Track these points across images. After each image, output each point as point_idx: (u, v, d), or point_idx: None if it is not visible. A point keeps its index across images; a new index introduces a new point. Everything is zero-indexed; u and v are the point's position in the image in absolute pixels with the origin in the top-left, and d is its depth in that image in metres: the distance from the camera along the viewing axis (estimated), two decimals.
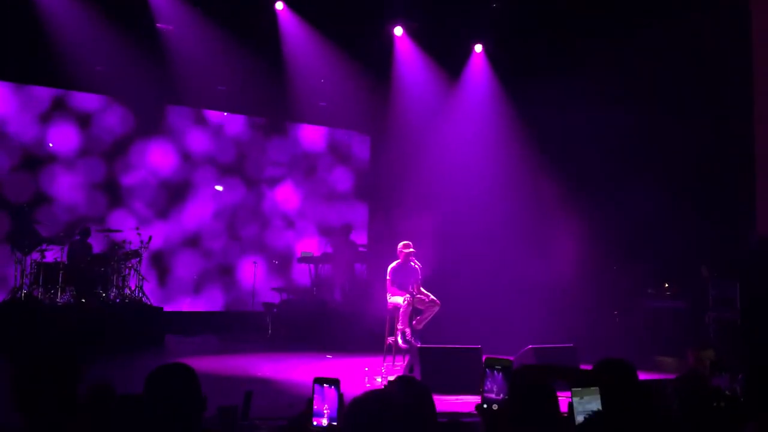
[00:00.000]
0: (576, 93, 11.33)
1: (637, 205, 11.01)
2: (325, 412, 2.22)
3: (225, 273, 13.39)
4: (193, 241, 13.16)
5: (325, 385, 2.20)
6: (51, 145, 12.10)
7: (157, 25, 11.38)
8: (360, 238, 13.92)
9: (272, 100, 12.73)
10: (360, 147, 14.75)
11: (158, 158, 12.95)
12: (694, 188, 10.64)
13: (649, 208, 10.79)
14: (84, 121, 12.34)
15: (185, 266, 13.05)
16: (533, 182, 11.97)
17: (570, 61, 11.46)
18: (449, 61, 12.70)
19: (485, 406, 2.07)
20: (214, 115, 13.52)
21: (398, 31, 12.46)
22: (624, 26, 10.85)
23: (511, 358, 2.09)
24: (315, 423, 2.38)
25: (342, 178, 14.65)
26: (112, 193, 12.48)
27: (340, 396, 2.19)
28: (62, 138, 12.17)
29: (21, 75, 11.68)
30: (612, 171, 11.31)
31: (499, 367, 2.10)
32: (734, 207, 10.45)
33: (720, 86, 10.28)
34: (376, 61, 12.42)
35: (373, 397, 2.00)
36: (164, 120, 13.08)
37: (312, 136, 14.43)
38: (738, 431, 2.33)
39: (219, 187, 13.44)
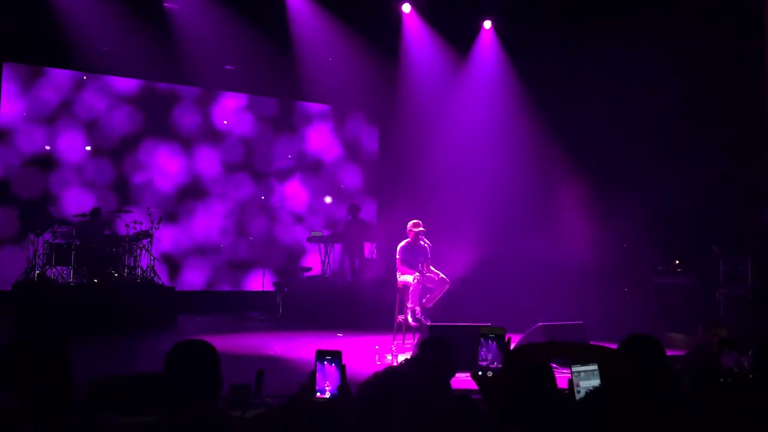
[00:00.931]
0: (587, 70, 11.25)
1: (649, 183, 10.98)
2: (327, 388, 2.24)
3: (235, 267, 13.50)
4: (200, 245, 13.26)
5: (326, 360, 2.20)
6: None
7: (164, 4, 11.34)
8: (370, 216, 13.93)
9: (280, 79, 12.69)
10: (368, 129, 14.68)
11: (165, 159, 12.98)
12: (706, 166, 10.57)
13: (660, 186, 10.76)
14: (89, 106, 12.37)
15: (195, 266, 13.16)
16: (544, 161, 11.93)
17: (579, 38, 11.36)
18: (458, 38, 12.61)
19: (480, 373, 2.12)
20: (219, 113, 13.45)
21: (406, 7, 12.36)
22: (635, 2, 10.73)
23: (520, 336, 2.10)
24: (318, 398, 2.41)
25: (351, 159, 14.63)
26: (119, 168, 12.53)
27: (342, 368, 2.20)
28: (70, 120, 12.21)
29: (28, 56, 11.68)
30: (623, 149, 11.25)
31: (493, 336, 2.13)
32: (746, 184, 10.40)
33: (735, 69, 10.20)
34: (385, 39, 12.34)
35: (386, 375, 2.01)
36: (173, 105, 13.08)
37: (319, 112, 14.39)
38: (743, 406, 2.34)
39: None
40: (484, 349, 2.16)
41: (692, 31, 10.28)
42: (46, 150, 12.00)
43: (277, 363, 7.41)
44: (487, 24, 12.78)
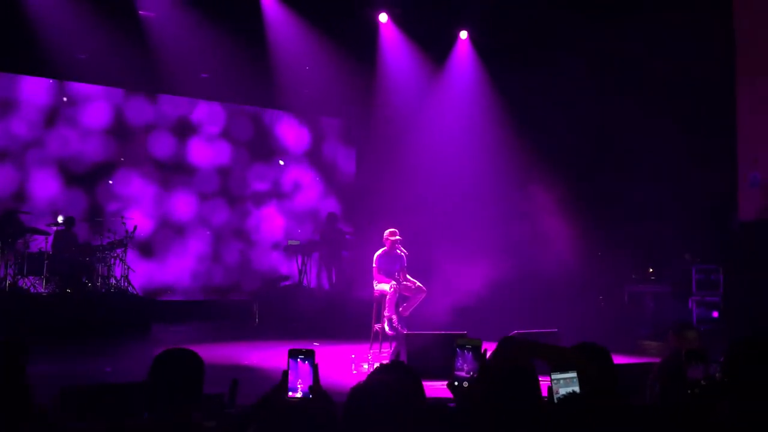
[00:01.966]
0: (561, 79, 11.36)
1: (622, 191, 11.11)
2: (299, 386, 2.23)
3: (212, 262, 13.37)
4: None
5: (299, 358, 2.20)
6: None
7: (140, 12, 11.28)
8: (346, 225, 13.93)
9: (255, 87, 12.65)
10: (344, 137, 14.69)
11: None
12: (678, 175, 10.73)
13: (633, 195, 10.89)
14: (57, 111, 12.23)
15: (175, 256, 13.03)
16: (519, 172, 12.01)
17: (555, 47, 11.48)
18: (434, 47, 12.68)
19: (456, 383, 2.13)
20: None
21: (383, 17, 12.42)
22: (610, 13, 10.87)
23: (492, 345, 2.12)
24: (290, 396, 2.40)
25: (325, 163, 14.63)
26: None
27: (315, 367, 2.20)
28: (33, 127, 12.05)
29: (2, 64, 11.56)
30: (596, 159, 11.39)
31: (469, 347, 2.15)
32: (717, 193, 10.57)
33: (704, 77, 10.38)
34: (361, 48, 12.38)
35: (369, 385, 2.02)
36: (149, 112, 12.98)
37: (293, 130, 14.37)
38: (712, 413, 2.37)
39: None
40: (460, 360, 2.17)
41: (661, 40, 10.45)
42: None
43: (252, 372, 7.37)
44: (464, 34, 12.88)
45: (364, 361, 8.11)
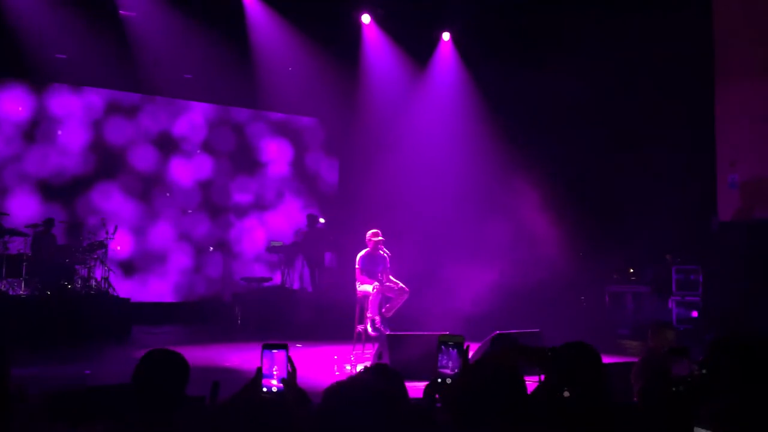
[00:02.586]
0: (543, 80, 11.43)
1: (602, 192, 11.20)
2: (274, 373, 2.22)
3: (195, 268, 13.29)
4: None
5: (274, 350, 2.19)
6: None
7: (120, 12, 11.20)
8: (328, 226, 13.92)
9: (238, 88, 12.62)
10: (328, 137, 14.66)
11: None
12: (659, 177, 10.84)
13: (615, 196, 10.98)
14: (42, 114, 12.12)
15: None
16: (502, 173, 12.06)
17: (537, 48, 11.55)
18: (417, 49, 12.72)
19: (439, 380, 2.13)
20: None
21: (366, 18, 12.43)
22: (590, 15, 10.95)
23: (478, 344, 2.12)
24: (264, 386, 2.38)
25: (311, 168, 14.59)
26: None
27: (289, 358, 2.20)
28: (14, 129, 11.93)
29: None
30: (579, 158, 11.45)
31: (452, 344, 2.15)
32: (696, 195, 10.69)
33: (683, 80, 10.50)
34: (344, 49, 12.39)
35: (348, 384, 2.01)
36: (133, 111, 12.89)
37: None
38: (695, 412, 2.39)
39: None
40: (444, 357, 2.18)
41: (642, 42, 10.56)
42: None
43: (234, 374, 7.33)
44: (446, 36, 12.92)
45: (347, 362, 8.10)
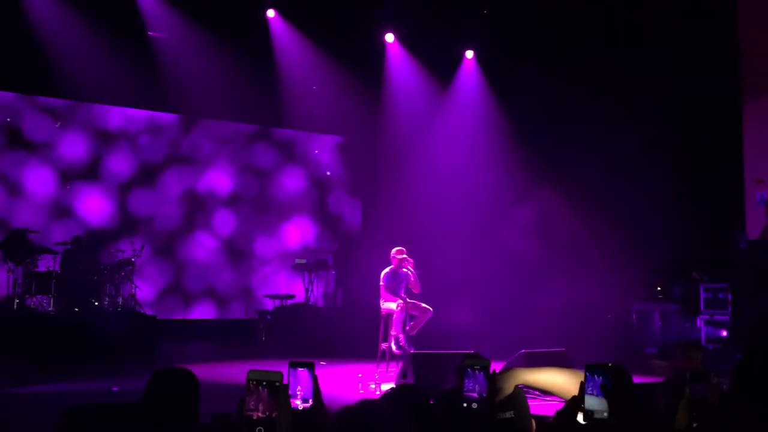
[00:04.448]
0: (568, 96, 11.41)
1: (630, 210, 11.10)
2: (298, 393, 2.21)
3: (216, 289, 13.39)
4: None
5: (298, 368, 2.18)
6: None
7: (149, 33, 11.40)
8: (354, 246, 13.94)
9: (264, 107, 12.73)
10: (350, 153, 14.70)
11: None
12: (687, 193, 10.73)
13: (641, 213, 10.88)
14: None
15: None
16: (525, 188, 12.03)
17: (562, 66, 11.53)
18: (441, 67, 12.76)
19: (465, 405, 2.06)
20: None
21: (389, 37, 12.51)
22: (615, 30, 10.93)
23: (502, 363, 2.09)
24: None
25: (332, 181, 14.64)
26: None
27: (314, 378, 2.18)
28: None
29: (17, 84, 11.69)
30: (606, 176, 11.38)
31: (479, 367, 2.08)
32: (725, 211, 10.56)
33: (712, 94, 10.41)
34: (368, 68, 12.46)
35: (362, 406, 2.01)
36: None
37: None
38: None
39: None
40: (471, 380, 2.10)
41: (668, 56, 10.50)
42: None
43: None
44: (470, 54, 12.95)
45: (371, 381, 8.08)
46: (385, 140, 13.12)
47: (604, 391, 1.96)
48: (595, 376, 1.99)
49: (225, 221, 13.54)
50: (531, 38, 11.59)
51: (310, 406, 2.15)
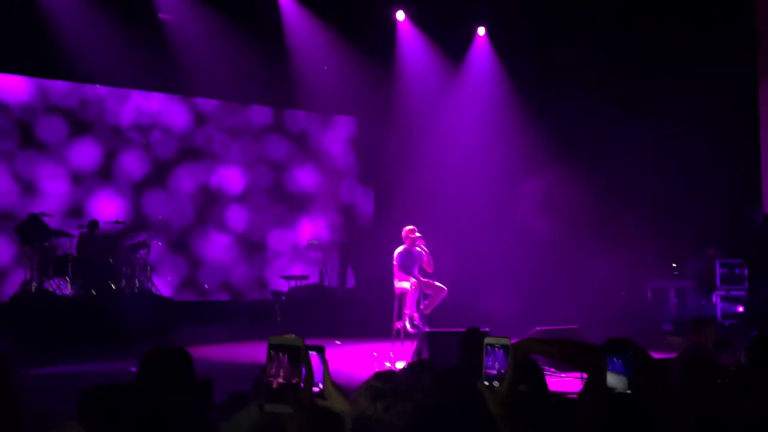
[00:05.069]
0: (581, 75, 11.30)
1: (645, 187, 11.03)
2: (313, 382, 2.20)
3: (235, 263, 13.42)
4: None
5: (308, 352, 2.17)
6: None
7: (159, 15, 11.38)
8: (366, 215, 13.93)
9: (274, 87, 12.70)
10: (362, 133, 14.64)
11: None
12: (702, 170, 10.64)
13: (656, 190, 10.81)
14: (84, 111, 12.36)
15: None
16: (540, 166, 11.97)
17: (574, 43, 11.42)
18: (452, 44, 12.66)
19: (486, 383, 2.06)
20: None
21: (400, 15, 12.42)
22: (631, 8, 10.78)
23: (513, 341, 2.08)
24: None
25: (345, 164, 14.60)
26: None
27: (325, 361, 2.18)
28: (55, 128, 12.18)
29: (26, 67, 11.69)
30: (621, 153, 11.31)
31: (500, 345, 2.07)
32: (741, 188, 10.47)
33: (727, 73, 10.30)
34: (379, 46, 12.39)
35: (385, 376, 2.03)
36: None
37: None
38: (739, 404, 2.35)
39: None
40: (491, 357, 2.09)
41: (684, 35, 10.37)
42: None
43: None
44: (481, 30, 12.83)
45: (386, 359, 8.12)
46: (397, 119, 13.06)
47: (626, 368, 1.96)
48: (615, 356, 1.99)
49: (238, 215, 13.51)
50: (543, 13, 11.46)
51: (320, 390, 2.15)
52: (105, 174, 12.40)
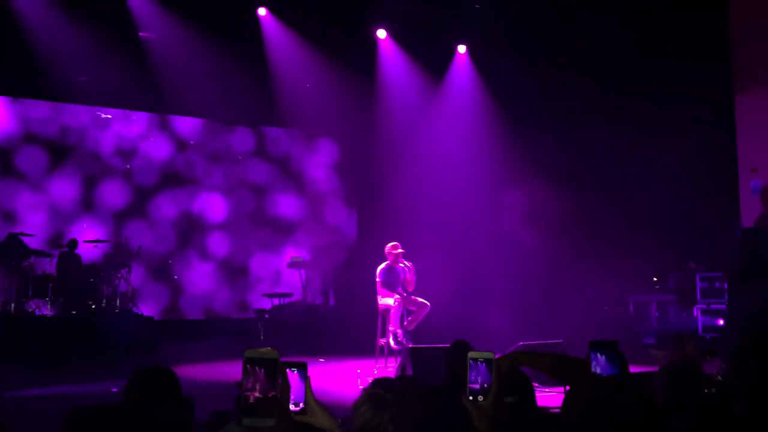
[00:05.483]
0: (561, 89, 11.42)
1: (625, 201, 11.13)
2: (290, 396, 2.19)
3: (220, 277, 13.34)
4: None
5: (288, 369, 2.15)
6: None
7: (140, 33, 11.37)
8: (349, 236, 13.92)
9: (256, 106, 12.67)
10: (344, 153, 14.63)
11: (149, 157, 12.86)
12: (681, 184, 10.76)
13: (637, 204, 10.91)
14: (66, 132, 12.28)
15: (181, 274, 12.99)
16: (521, 182, 12.04)
17: (554, 61, 11.55)
18: (433, 62, 12.74)
19: (471, 398, 2.06)
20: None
21: (381, 33, 12.50)
22: (610, 18, 10.90)
23: (497, 355, 2.09)
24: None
25: (327, 186, 14.55)
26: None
27: (307, 379, 2.17)
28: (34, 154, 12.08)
29: (2, 86, 11.60)
30: (600, 169, 11.42)
31: (482, 360, 2.07)
32: (719, 201, 10.60)
33: (704, 87, 10.46)
34: (361, 65, 12.43)
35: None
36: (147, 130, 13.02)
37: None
38: (727, 412, 2.37)
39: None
40: (474, 372, 2.09)
41: (663, 51, 10.53)
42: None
43: None
44: (462, 48, 12.94)
45: (370, 376, 8.09)
46: (378, 138, 13.09)
47: (612, 362, 1.98)
48: (599, 353, 2.01)
49: (219, 241, 13.42)
50: (523, 32, 11.58)
51: (302, 408, 2.14)
52: (86, 203, 12.30)
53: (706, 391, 2.64)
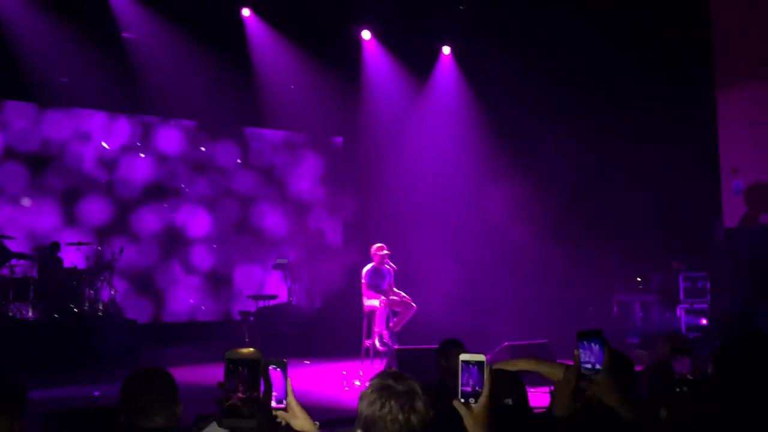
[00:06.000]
0: (545, 91, 11.47)
1: (608, 201, 11.19)
2: (273, 394, 2.17)
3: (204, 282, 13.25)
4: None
5: (270, 367, 2.13)
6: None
7: (123, 34, 11.28)
8: (334, 242, 13.89)
9: (240, 107, 12.62)
10: (327, 151, 14.58)
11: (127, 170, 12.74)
12: (664, 184, 10.84)
13: (620, 205, 10.98)
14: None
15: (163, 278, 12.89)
16: (505, 184, 12.08)
17: (537, 63, 11.59)
18: (418, 63, 12.76)
19: (463, 401, 2.05)
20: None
21: (366, 34, 12.49)
22: (594, 19, 10.95)
23: (487, 356, 2.08)
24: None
25: (312, 194, 14.50)
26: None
27: (287, 379, 2.15)
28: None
29: None
30: (583, 170, 11.48)
31: (474, 362, 2.06)
32: (701, 202, 10.69)
33: (686, 87, 10.55)
34: (345, 65, 12.42)
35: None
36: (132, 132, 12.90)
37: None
38: (701, 412, 2.38)
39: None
40: (466, 374, 2.08)
41: (645, 52, 10.60)
42: None
43: None
44: (446, 49, 12.96)
45: (356, 378, 8.07)
46: (363, 139, 13.09)
47: (602, 350, 1.97)
48: (587, 343, 2.00)
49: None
50: (506, 34, 11.62)
51: (283, 407, 2.12)
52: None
53: (677, 390, 2.64)
